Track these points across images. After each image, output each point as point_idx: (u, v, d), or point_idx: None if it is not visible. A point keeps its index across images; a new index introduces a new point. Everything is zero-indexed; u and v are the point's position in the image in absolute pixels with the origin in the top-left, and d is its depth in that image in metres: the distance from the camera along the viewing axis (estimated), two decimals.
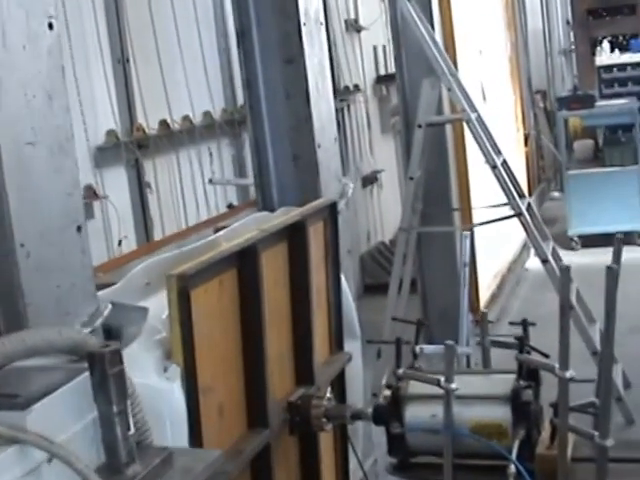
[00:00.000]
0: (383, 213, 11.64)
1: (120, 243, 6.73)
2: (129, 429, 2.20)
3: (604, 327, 3.11)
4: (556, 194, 13.90)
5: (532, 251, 11.15)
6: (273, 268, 3.63)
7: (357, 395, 4.40)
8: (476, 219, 7.56)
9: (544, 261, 6.29)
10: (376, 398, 4.76)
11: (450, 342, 3.18)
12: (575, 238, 11.08)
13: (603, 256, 10.13)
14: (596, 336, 6.33)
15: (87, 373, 2.16)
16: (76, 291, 2.66)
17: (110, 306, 2.78)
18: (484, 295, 8.15)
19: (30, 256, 2.53)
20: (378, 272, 10.67)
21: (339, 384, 4.24)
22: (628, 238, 10.83)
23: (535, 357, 3.32)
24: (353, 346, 4.40)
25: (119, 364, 2.16)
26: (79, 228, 2.71)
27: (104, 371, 2.12)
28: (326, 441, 3.99)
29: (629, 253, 10.84)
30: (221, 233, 3.78)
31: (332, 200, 4.24)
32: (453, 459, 3.25)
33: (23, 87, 2.52)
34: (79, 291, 2.67)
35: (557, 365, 3.05)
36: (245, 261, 3.37)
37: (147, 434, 2.39)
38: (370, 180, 11.28)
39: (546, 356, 3.34)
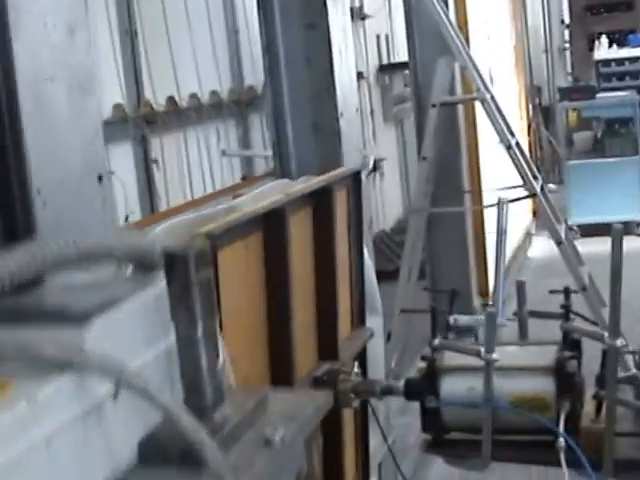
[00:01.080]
0: (385, 201, 11.39)
1: (127, 219, 6.43)
2: (218, 358, 1.66)
3: (610, 291, 2.80)
4: (553, 186, 13.66)
5: (534, 240, 10.98)
6: (298, 234, 3.33)
7: (379, 373, 4.10)
8: (486, 202, 7.31)
9: (559, 243, 6.01)
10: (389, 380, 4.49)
11: (492, 309, 2.89)
12: (575, 227, 10.87)
13: (603, 245, 9.94)
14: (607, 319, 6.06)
15: (162, 283, 1.60)
16: None
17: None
18: (492, 279, 7.86)
19: (47, 205, 2.22)
20: (380, 260, 10.39)
21: (361, 361, 3.95)
22: (627, 228, 10.64)
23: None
24: (374, 322, 4.11)
25: (207, 267, 1.63)
26: (100, 178, 2.40)
27: (187, 277, 1.56)
28: (348, 419, 3.70)
29: (628, 243, 10.59)
30: (242, 198, 3.48)
31: (356, 169, 3.94)
32: (492, 435, 2.97)
33: (43, 15, 2.21)
34: None
35: (606, 334, 2.77)
36: (271, 224, 3.07)
37: (231, 377, 1.92)
38: (372, 168, 11.00)
39: (594, 324, 3.05)
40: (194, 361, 1.60)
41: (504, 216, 2.95)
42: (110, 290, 1.65)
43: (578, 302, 5.99)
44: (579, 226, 10.84)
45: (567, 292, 3.13)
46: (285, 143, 4.29)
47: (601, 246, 9.73)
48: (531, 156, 12.46)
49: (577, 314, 3.09)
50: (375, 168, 11.15)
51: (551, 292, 3.17)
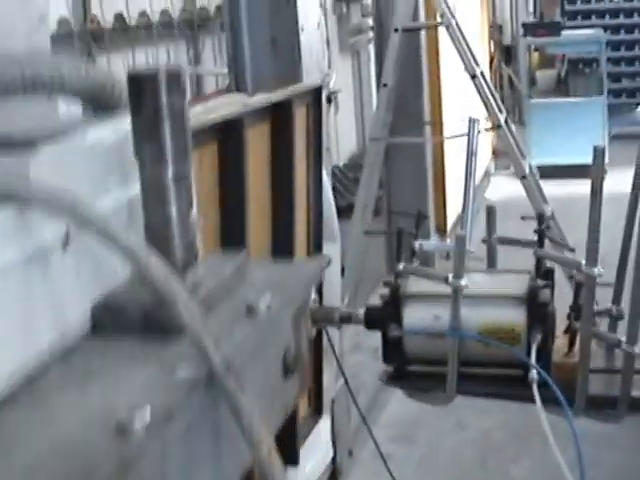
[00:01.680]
0: (339, 136, 11.22)
1: None
2: (191, 207, 1.40)
3: (590, 216, 2.69)
4: (512, 126, 13.58)
5: (492, 180, 10.90)
6: (255, 150, 3.17)
7: (335, 302, 3.98)
8: (447, 134, 7.20)
9: (523, 177, 5.91)
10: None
11: (461, 233, 2.76)
12: (534, 168, 10.78)
13: (563, 187, 9.89)
14: None
15: (125, 123, 1.35)
16: None
17: None
18: (450, 217, 7.78)
19: None
20: (333, 196, 10.26)
21: (317, 289, 3.82)
22: (588, 171, 10.56)
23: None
24: (332, 249, 3.97)
25: (181, 96, 1.36)
26: None
27: (156, 103, 1.30)
28: None
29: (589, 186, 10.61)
30: (196, 109, 3.31)
31: (317, 84, 3.78)
32: (458, 367, 2.85)
33: None
34: None
35: (583, 261, 2.65)
36: (228, 136, 2.91)
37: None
38: (327, 100, 10.80)
39: (571, 250, 2.94)
40: (162, 209, 1.35)
41: (474, 137, 2.81)
42: (64, 123, 1.44)
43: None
44: (539, 167, 10.75)
45: (540, 218, 3.00)
46: (241, 58, 4.10)
47: (561, 188, 9.72)
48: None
49: (552, 240, 2.97)
50: (330, 100, 10.96)
51: (523, 218, 3.04)
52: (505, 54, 14.04)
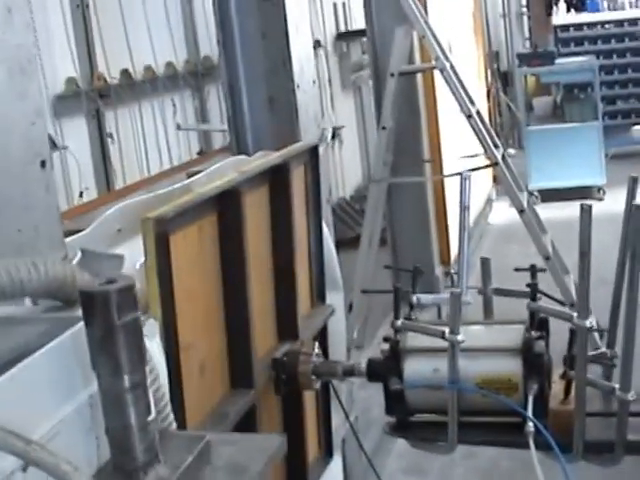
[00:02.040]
0: (344, 169, 11.29)
1: (82, 195, 6.26)
2: (149, 412, 1.45)
3: (579, 271, 2.70)
4: (512, 151, 13.63)
5: (495, 205, 10.92)
6: (254, 214, 3.21)
7: (340, 350, 4.01)
8: (446, 171, 7.22)
9: (521, 211, 5.92)
10: (347, 354, 4.39)
11: (456, 290, 2.79)
12: (535, 192, 10.83)
13: (563, 210, 9.90)
14: (571, 287, 5.99)
15: (81, 324, 1.40)
16: (40, 236, 2.22)
17: (80, 254, 2.34)
18: (454, 248, 7.78)
19: None
20: (340, 228, 10.33)
21: (322, 339, 3.85)
22: (588, 192, 10.60)
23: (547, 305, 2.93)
24: (335, 298, 4.01)
25: (133, 309, 1.41)
26: (43, 163, 2.26)
27: (109, 321, 1.35)
28: (309, 397, 3.60)
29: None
30: (197, 177, 3.35)
31: (314, 143, 3.82)
32: (458, 417, 2.87)
33: None
34: (44, 235, 2.23)
35: (575, 314, 2.67)
36: (226, 205, 2.95)
37: (170, 417, 1.71)
38: (331, 136, 10.87)
39: (562, 304, 2.96)
40: (120, 416, 1.39)
41: (467, 191, 2.84)
42: (20, 333, 1.45)
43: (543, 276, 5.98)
44: (539, 191, 10.78)
45: (533, 270, 3.03)
46: (241, 117, 4.17)
47: (561, 211, 9.75)
48: (491, 122, 12.40)
49: (544, 293, 2.99)
50: (334, 136, 11.03)
51: (516, 270, 3.06)
52: (503, 80, 14.10)
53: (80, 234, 2.64)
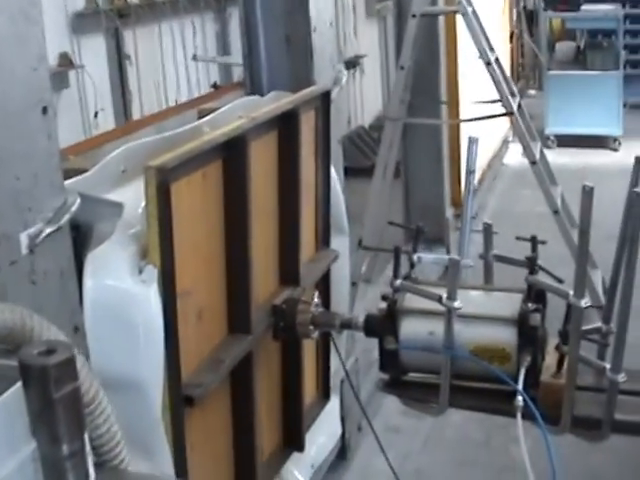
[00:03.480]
0: (364, 98, 11.17)
1: (96, 115, 6.17)
2: (87, 476, 1.43)
3: (578, 250, 2.65)
4: (532, 92, 13.46)
5: (511, 146, 10.80)
6: (261, 160, 3.16)
7: (342, 296, 3.99)
8: (463, 115, 7.11)
9: (533, 162, 5.83)
10: (354, 287, 4.35)
11: (455, 257, 2.74)
12: (551, 137, 10.70)
13: (577, 157, 9.79)
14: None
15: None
16: (39, 183, 2.16)
17: (79, 200, 2.29)
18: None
19: None
20: (357, 156, 10.30)
21: (324, 284, 3.83)
22: (604, 141, 10.49)
23: (545, 279, 2.88)
24: (340, 242, 3.97)
25: (71, 381, 1.38)
26: (45, 109, 2.19)
27: (47, 395, 1.34)
28: (308, 342, 3.58)
29: (604, 157, 10.43)
30: (206, 119, 3.29)
31: (326, 88, 3.75)
32: (450, 380, 2.85)
33: None
34: (43, 183, 2.18)
35: (571, 292, 2.62)
36: (232, 152, 2.90)
37: (118, 453, 1.68)
38: (352, 64, 10.73)
39: (560, 281, 2.91)
40: None
41: (473, 154, 2.77)
42: None
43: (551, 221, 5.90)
44: (555, 136, 10.66)
45: (534, 242, 2.97)
46: (256, 55, 4.08)
47: (575, 158, 9.64)
48: (512, 62, 12.22)
49: (542, 269, 2.94)
50: (355, 64, 10.88)
51: (517, 239, 3.01)
52: (528, 20, 13.84)
53: (83, 176, 2.60)
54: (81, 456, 1.40)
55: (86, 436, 1.42)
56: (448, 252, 6.93)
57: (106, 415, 1.61)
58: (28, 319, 1.60)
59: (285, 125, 3.32)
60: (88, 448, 1.43)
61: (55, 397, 1.35)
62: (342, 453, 4.55)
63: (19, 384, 1.39)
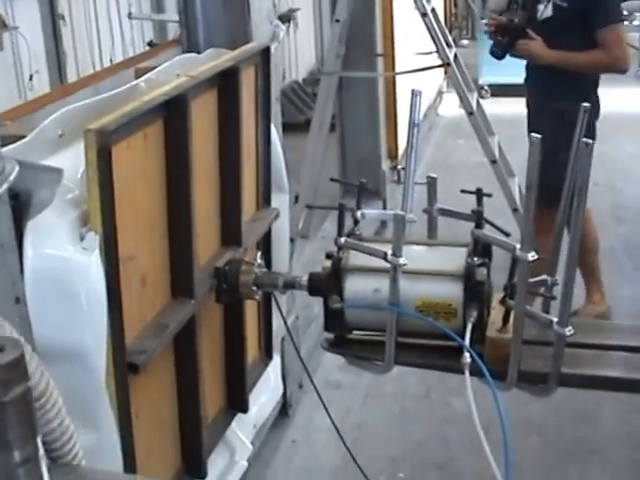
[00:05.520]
0: (298, 52, 11.06)
1: (31, 78, 6.00)
2: None
3: (525, 205, 2.62)
4: (465, 42, 13.46)
5: (445, 97, 10.78)
6: (202, 119, 3.07)
7: (283, 255, 3.92)
8: (398, 68, 7.06)
9: (470, 113, 5.80)
10: (292, 244, 4.30)
11: (400, 212, 2.68)
12: (485, 87, 10.69)
13: (512, 106, 9.83)
14: (515, 191, 5.93)
15: None
16: None
17: (17, 167, 2.19)
18: (402, 143, 7.67)
19: None
20: (292, 111, 10.19)
21: (265, 243, 3.76)
22: None
23: (490, 232, 2.83)
24: (280, 200, 3.90)
25: (22, 381, 1.28)
26: None
27: None
28: (250, 302, 3.52)
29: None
30: (144, 78, 3.17)
31: (265, 44, 3.66)
32: (396, 338, 2.80)
33: None
34: None
35: (518, 245, 2.58)
36: (172, 112, 2.80)
37: (71, 447, 1.60)
38: (287, 18, 10.59)
39: (506, 234, 2.87)
40: None
41: (417, 107, 2.71)
42: None
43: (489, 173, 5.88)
44: (490, 86, 10.65)
45: (479, 195, 2.92)
46: (192, 10, 3.96)
47: (510, 106, 9.64)
48: (446, 12, 12.16)
49: (488, 222, 2.89)
50: (289, 18, 10.75)
51: (462, 192, 2.96)
52: None
53: (20, 142, 2.48)
54: (34, 461, 1.30)
55: (39, 439, 1.32)
56: (384, 206, 6.91)
57: (57, 409, 1.52)
58: None
59: (225, 83, 3.23)
60: (42, 452, 1.34)
61: (4, 400, 1.25)
62: (284, 411, 4.53)
63: None
